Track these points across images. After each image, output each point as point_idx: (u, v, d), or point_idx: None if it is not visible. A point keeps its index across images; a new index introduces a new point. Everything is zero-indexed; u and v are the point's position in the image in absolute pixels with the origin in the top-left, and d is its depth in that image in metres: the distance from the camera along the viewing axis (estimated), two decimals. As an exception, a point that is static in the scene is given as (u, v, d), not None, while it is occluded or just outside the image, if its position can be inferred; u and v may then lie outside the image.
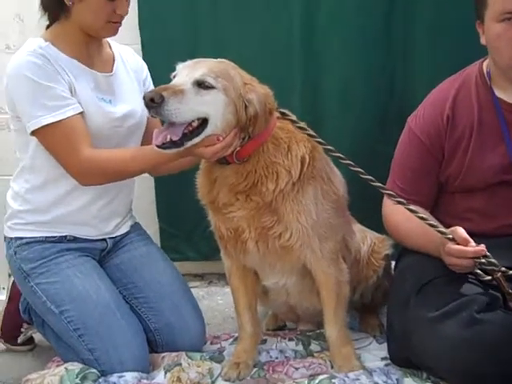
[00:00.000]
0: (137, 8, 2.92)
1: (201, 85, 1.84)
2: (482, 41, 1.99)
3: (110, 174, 2.15)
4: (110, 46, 2.36)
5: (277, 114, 2.00)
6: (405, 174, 2.17)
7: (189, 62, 1.93)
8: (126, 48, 2.44)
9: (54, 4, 2.16)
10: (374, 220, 2.37)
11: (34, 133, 2.12)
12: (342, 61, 2.90)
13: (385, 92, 2.94)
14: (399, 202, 1.99)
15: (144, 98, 1.79)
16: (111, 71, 2.30)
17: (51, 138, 2.12)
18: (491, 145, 2.04)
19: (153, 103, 1.76)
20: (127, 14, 2.19)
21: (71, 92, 2.14)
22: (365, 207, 2.46)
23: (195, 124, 1.86)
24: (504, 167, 2.03)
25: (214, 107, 1.86)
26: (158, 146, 1.85)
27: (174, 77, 1.91)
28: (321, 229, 2.04)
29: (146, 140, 2.36)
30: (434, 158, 2.11)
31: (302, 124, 2.00)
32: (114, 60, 2.33)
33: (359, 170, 1.95)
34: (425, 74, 2.86)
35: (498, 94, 2.04)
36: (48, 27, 2.23)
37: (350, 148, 2.70)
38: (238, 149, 1.95)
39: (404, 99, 2.91)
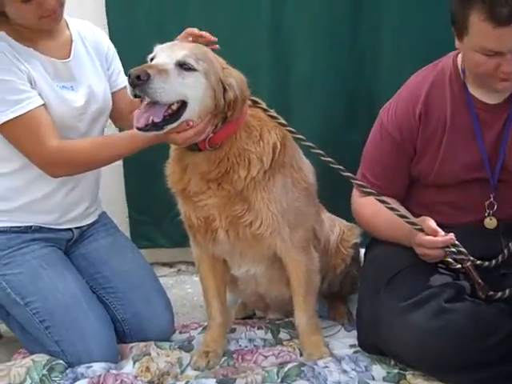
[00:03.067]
0: None
1: (182, 66, 1.82)
2: (457, 45, 1.94)
3: (79, 164, 2.13)
4: (68, 26, 2.29)
5: (248, 102, 2.00)
6: (375, 167, 2.16)
7: (167, 44, 1.91)
8: (84, 24, 2.36)
9: None
10: (343, 208, 2.38)
11: None
12: (310, 48, 2.88)
13: (353, 80, 2.92)
14: (370, 193, 1.99)
15: (129, 75, 1.75)
16: (69, 56, 2.24)
17: (14, 133, 2.08)
18: (463, 142, 2.04)
19: (138, 80, 1.73)
20: (62, 2, 2.10)
21: (31, 83, 2.10)
22: (334, 195, 2.46)
23: (175, 107, 1.83)
24: (476, 165, 2.03)
25: (195, 90, 1.84)
26: (139, 129, 1.81)
27: (152, 59, 1.88)
28: (291, 217, 2.04)
29: (117, 119, 2.36)
30: (405, 153, 2.10)
31: (273, 112, 2.00)
32: (71, 41, 2.27)
33: (330, 159, 1.95)
34: (393, 61, 2.84)
35: (472, 91, 2.02)
36: None
37: (318, 136, 2.67)
38: (211, 135, 1.93)
39: (372, 87, 2.90)
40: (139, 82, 1.73)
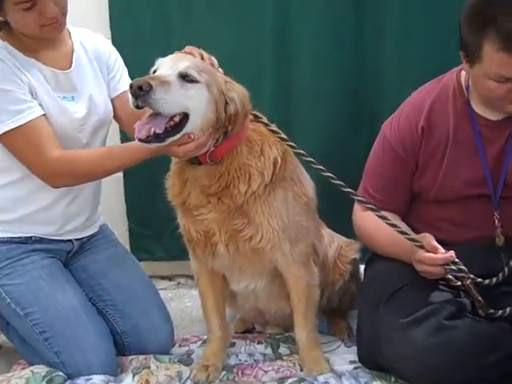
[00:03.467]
0: (107, 3, 2.89)
1: (185, 78, 1.82)
2: (465, 68, 1.95)
3: (80, 174, 2.13)
4: (70, 35, 2.28)
5: (250, 117, 1.99)
6: (377, 181, 2.16)
7: (170, 56, 1.90)
8: (86, 33, 2.35)
9: None
10: (342, 224, 2.38)
11: None
12: (314, 62, 2.88)
13: (355, 94, 2.93)
14: (370, 209, 2.00)
15: (131, 86, 1.74)
16: (71, 66, 2.23)
17: (15, 143, 2.08)
18: (466, 158, 2.04)
19: (140, 91, 1.72)
20: (64, 11, 2.10)
21: (32, 94, 2.10)
22: (333, 211, 2.45)
23: (177, 119, 1.82)
24: (478, 181, 2.03)
25: (197, 103, 1.84)
26: (140, 140, 1.81)
27: (154, 71, 1.88)
28: (292, 231, 2.03)
29: (127, 126, 2.34)
30: (408, 168, 2.11)
31: (274, 127, 2.00)
32: (73, 51, 2.26)
33: (330, 175, 1.96)
34: (397, 75, 2.85)
35: (475, 107, 2.03)
36: None
37: (319, 150, 2.68)
38: (212, 149, 1.93)
39: (375, 102, 2.91)
40: (141, 93, 1.72)
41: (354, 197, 2.03)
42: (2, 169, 2.19)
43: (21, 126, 2.04)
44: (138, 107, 1.77)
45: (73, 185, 2.19)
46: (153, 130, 1.79)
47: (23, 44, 2.13)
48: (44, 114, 2.10)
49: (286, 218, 2.00)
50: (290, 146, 2.00)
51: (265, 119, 2.02)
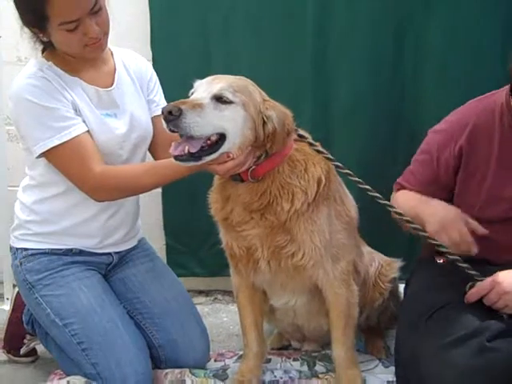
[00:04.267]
0: (149, 24, 2.93)
1: (219, 99, 1.83)
2: None
3: (123, 189, 2.15)
4: (112, 55, 2.32)
5: (294, 136, 2.00)
6: (416, 182, 2.18)
7: (207, 78, 1.92)
8: (128, 53, 2.39)
9: (36, 39, 2.15)
10: (382, 243, 2.39)
11: (41, 155, 2.11)
12: (353, 81, 2.90)
13: (394, 114, 2.94)
14: (407, 221, 1.99)
15: (162, 111, 1.77)
16: (113, 84, 2.27)
17: (60, 158, 2.11)
18: (511, 178, 2.01)
19: (171, 116, 1.75)
20: (106, 31, 2.13)
21: (75, 111, 2.14)
22: (374, 230, 2.46)
23: (214, 138, 1.83)
24: None
25: (233, 122, 1.84)
26: (175, 157, 1.83)
27: (192, 94, 1.90)
28: (333, 249, 2.04)
29: (157, 150, 2.37)
30: (443, 184, 2.13)
31: (319, 147, 2.01)
32: (115, 70, 2.30)
33: (377, 195, 2.00)
34: (435, 96, 2.85)
35: None
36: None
37: (358, 169, 2.62)
38: (254, 167, 1.93)
39: (413, 122, 2.90)
40: (171, 118, 1.75)
41: (390, 208, 2.02)
42: (47, 183, 2.23)
43: (66, 142, 2.08)
44: (171, 131, 1.80)
45: (115, 199, 2.22)
46: (187, 148, 1.81)
47: (67, 64, 2.17)
48: (88, 131, 2.13)
49: (328, 236, 2.01)
50: (337, 166, 2.01)
51: (310, 139, 2.03)
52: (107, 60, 2.29)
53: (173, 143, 1.84)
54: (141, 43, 2.90)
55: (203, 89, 1.87)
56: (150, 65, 2.48)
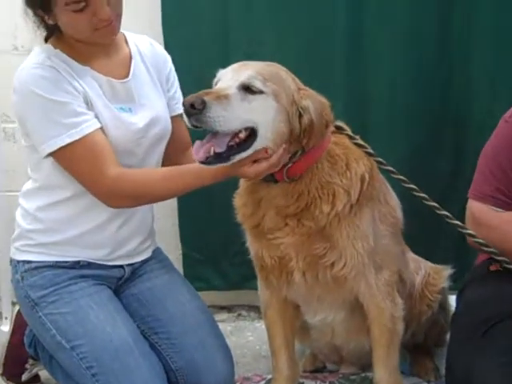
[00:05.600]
0: (160, 7, 2.79)
1: (248, 89, 1.71)
2: None
3: (141, 196, 2.04)
4: (127, 40, 2.21)
5: (332, 128, 1.90)
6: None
7: (233, 65, 1.80)
8: (143, 39, 2.28)
9: (40, 23, 2.05)
10: (428, 249, 2.31)
11: (49, 155, 2.00)
12: (391, 63, 2.77)
13: (439, 99, 2.80)
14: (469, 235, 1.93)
15: (183, 103, 1.66)
16: (128, 75, 2.16)
17: (70, 159, 2.00)
18: None
19: (193, 109, 1.63)
20: (118, 12, 2.01)
21: (87, 104, 2.03)
22: (417, 234, 2.34)
23: (242, 135, 1.72)
24: None
25: (265, 115, 1.73)
26: (200, 162, 1.72)
27: (216, 84, 1.79)
28: (377, 256, 1.95)
29: (171, 153, 2.24)
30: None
31: (359, 140, 1.92)
32: (130, 58, 2.18)
33: (424, 195, 1.92)
34: (485, 79, 2.72)
35: None
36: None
37: (398, 161, 2.49)
38: (289, 165, 1.82)
39: (460, 108, 2.78)
40: (193, 111, 1.64)
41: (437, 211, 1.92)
42: (53, 186, 2.11)
43: (77, 140, 1.97)
44: (194, 126, 1.69)
45: (131, 206, 2.11)
46: (213, 149, 1.70)
47: (76, 51, 2.06)
48: (101, 127, 2.02)
49: (372, 242, 1.91)
50: (378, 161, 1.94)
51: (349, 131, 1.94)
52: (121, 47, 2.18)
53: (195, 145, 1.74)
54: (150, 27, 2.75)
55: (229, 77, 1.75)
56: (167, 55, 2.35)
